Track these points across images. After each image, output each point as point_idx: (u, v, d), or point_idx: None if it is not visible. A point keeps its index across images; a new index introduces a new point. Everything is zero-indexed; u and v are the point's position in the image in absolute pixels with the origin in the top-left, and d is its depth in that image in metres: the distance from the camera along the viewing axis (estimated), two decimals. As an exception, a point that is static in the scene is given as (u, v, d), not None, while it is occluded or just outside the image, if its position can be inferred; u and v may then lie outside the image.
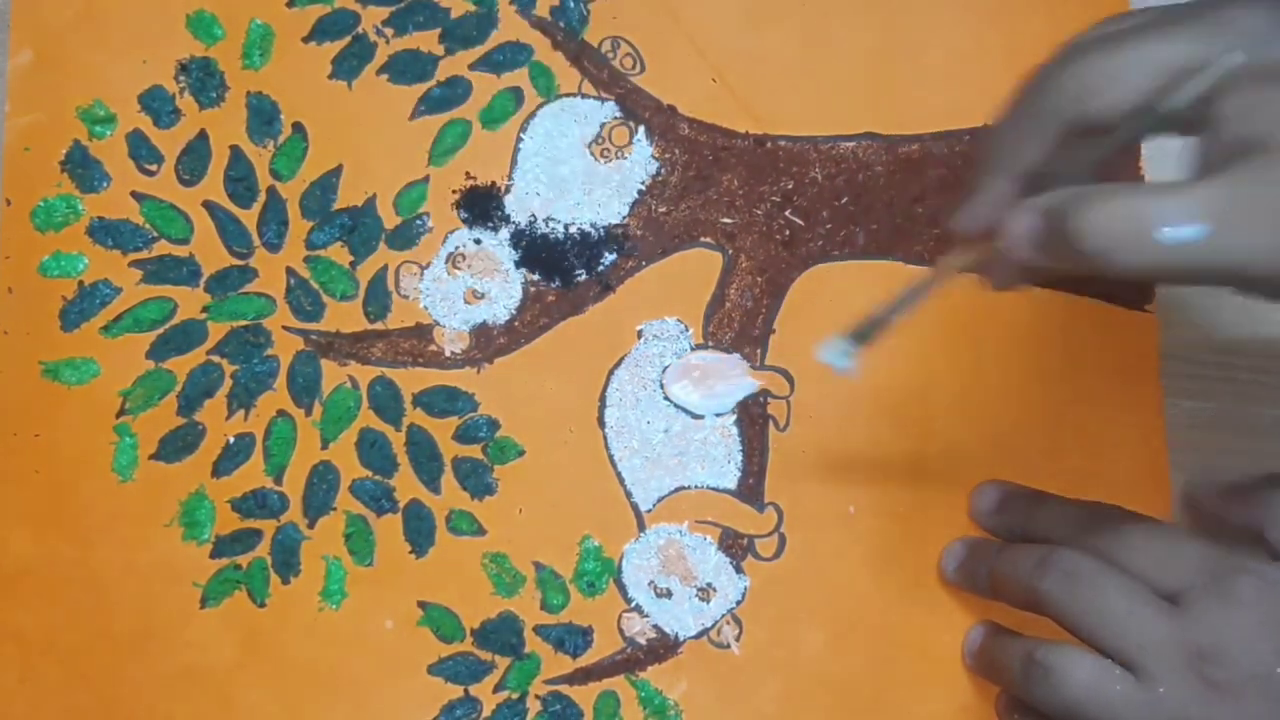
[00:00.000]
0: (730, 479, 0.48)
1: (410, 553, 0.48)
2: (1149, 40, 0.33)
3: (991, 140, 0.37)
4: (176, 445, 0.48)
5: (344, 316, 0.49)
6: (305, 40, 0.50)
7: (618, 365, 0.49)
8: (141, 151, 0.50)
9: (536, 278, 0.49)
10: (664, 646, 0.47)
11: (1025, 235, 0.34)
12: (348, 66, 0.50)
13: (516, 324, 0.49)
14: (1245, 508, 0.42)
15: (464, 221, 0.50)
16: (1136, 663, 0.38)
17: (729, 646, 0.47)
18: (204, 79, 0.50)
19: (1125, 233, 0.31)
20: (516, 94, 0.50)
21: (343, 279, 0.49)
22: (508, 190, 0.50)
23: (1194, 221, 0.31)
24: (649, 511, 0.48)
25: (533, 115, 0.50)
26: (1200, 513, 0.43)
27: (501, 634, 0.47)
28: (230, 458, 0.48)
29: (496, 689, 0.47)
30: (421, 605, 0.47)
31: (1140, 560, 0.40)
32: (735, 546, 0.48)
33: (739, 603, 0.48)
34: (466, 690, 0.47)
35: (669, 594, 0.48)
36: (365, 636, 0.47)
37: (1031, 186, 0.35)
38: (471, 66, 0.50)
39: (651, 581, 0.48)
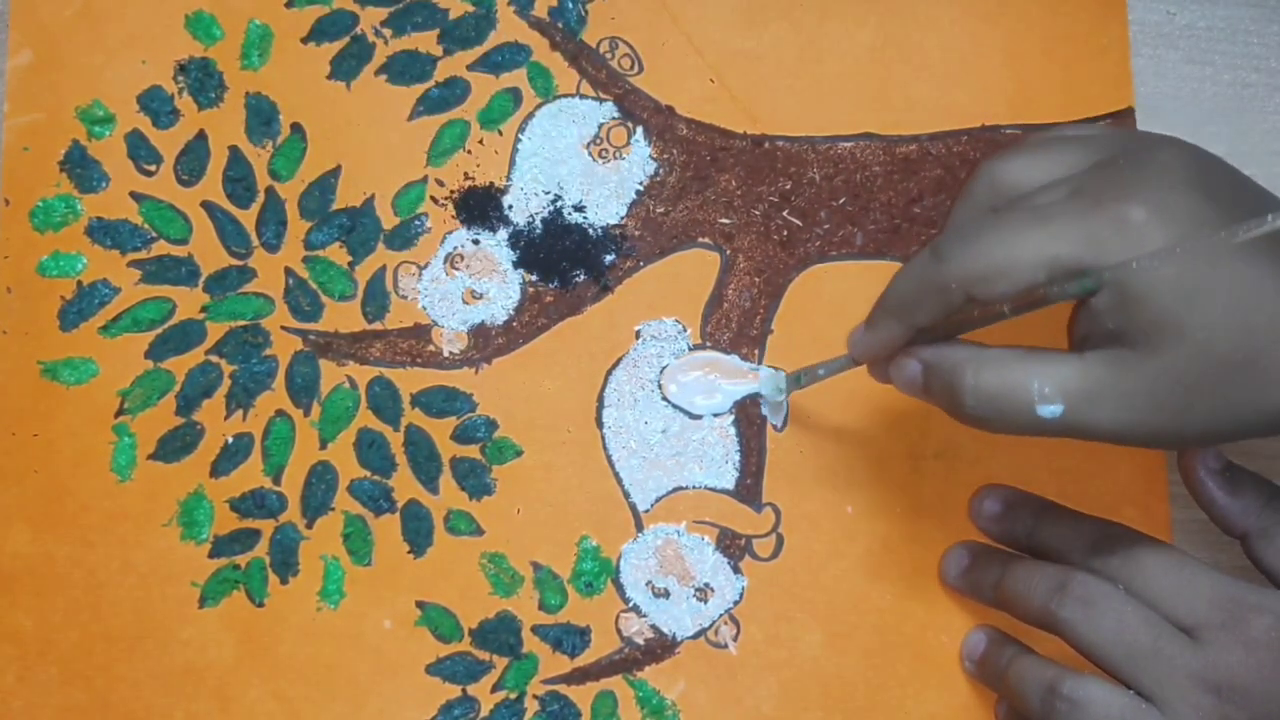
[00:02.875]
0: (728, 479, 0.48)
1: (408, 553, 0.48)
2: (1044, 234, 0.35)
3: (894, 287, 0.39)
4: (175, 445, 0.48)
5: (342, 317, 0.49)
6: (304, 41, 0.50)
7: (616, 365, 0.49)
8: (140, 152, 0.50)
9: (535, 278, 0.49)
10: (662, 646, 0.47)
11: (909, 382, 0.39)
12: (346, 67, 0.50)
13: (515, 324, 0.49)
14: (1238, 504, 0.42)
15: (462, 222, 0.50)
16: (1158, 696, 0.39)
17: (727, 646, 0.47)
18: (203, 79, 0.50)
19: (1001, 407, 0.36)
20: (515, 94, 0.50)
21: (341, 279, 0.49)
22: (506, 191, 0.50)
23: (1057, 401, 0.35)
24: (647, 512, 0.48)
25: (531, 116, 0.50)
26: (1191, 475, 0.43)
27: (499, 634, 0.47)
28: (229, 458, 0.48)
29: (494, 689, 0.47)
30: (420, 605, 0.48)
31: (1154, 589, 0.40)
32: (733, 547, 0.48)
33: (737, 603, 0.48)
34: (464, 690, 0.47)
35: (667, 594, 0.48)
36: (363, 636, 0.47)
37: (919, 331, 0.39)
38: (470, 67, 0.50)
39: (649, 581, 0.48)
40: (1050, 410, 0.36)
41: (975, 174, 0.40)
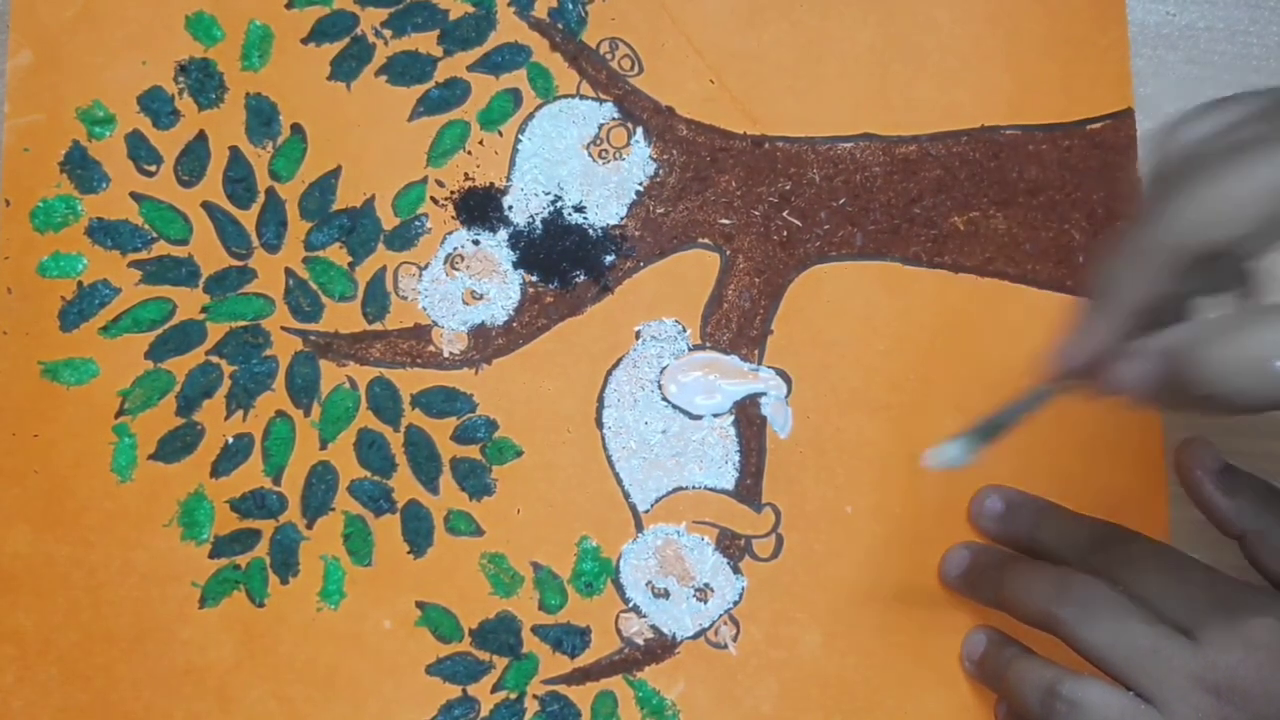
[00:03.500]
0: (728, 479, 0.48)
1: (409, 553, 0.48)
2: (1259, 161, 0.32)
3: (1105, 276, 0.35)
4: (175, 445, 0.48)
5: (343, 317, 0.49)
6: (304, 41, 0.50)
7: (616, 366, 0.49)
8: (141, 152, 0.50)
9: (535, 279, 0.49)
10: (661, 647, 0.47)
11: (1139, 381, 0.34)
12: (346, 68, 0.50)
13: (515, 325, 0.49)
14: (1235, 504, 0.42)
15: (462, 222, 0.50)
16: (1157, 697, 0.39)
17: (726, 647, 0.47)
18: (203, 80, 0.50)
19: (1248, 372, 0.31)
20: (515, 95, 0.50)
21: (341, 280, 0.49)
22: (506, 191, 0.50)
23: None
24: (647, 512, 0.48)
25: (531, 116, 0.50)
26: (1188, 476, 0.43)
27: (499, 634, 0.47)
28: (229, 458, 0.48)
29: (494, 689, 0.47)
30: (420, 605, 0.48)
31: (1153, 590, 0.40)
32: (733, 547, 0.48)
33: (736, 603, 0.48)
34: (464, 690, 0.47)
35: (666, 594, 0.48)
36: (363, 636, 0.47)
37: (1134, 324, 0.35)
38: (470, 68, 0.50)
39: (649, 582, 0.48)
40: None
41: (1153, 145, 0.36)
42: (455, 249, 0.50)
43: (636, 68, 0.51)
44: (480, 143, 0.50)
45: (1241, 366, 0.32)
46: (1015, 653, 0.44)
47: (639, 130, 0.50)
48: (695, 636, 0.47)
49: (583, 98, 0.50)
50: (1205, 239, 0.33)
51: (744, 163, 0.50)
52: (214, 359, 0.49)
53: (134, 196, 0.50)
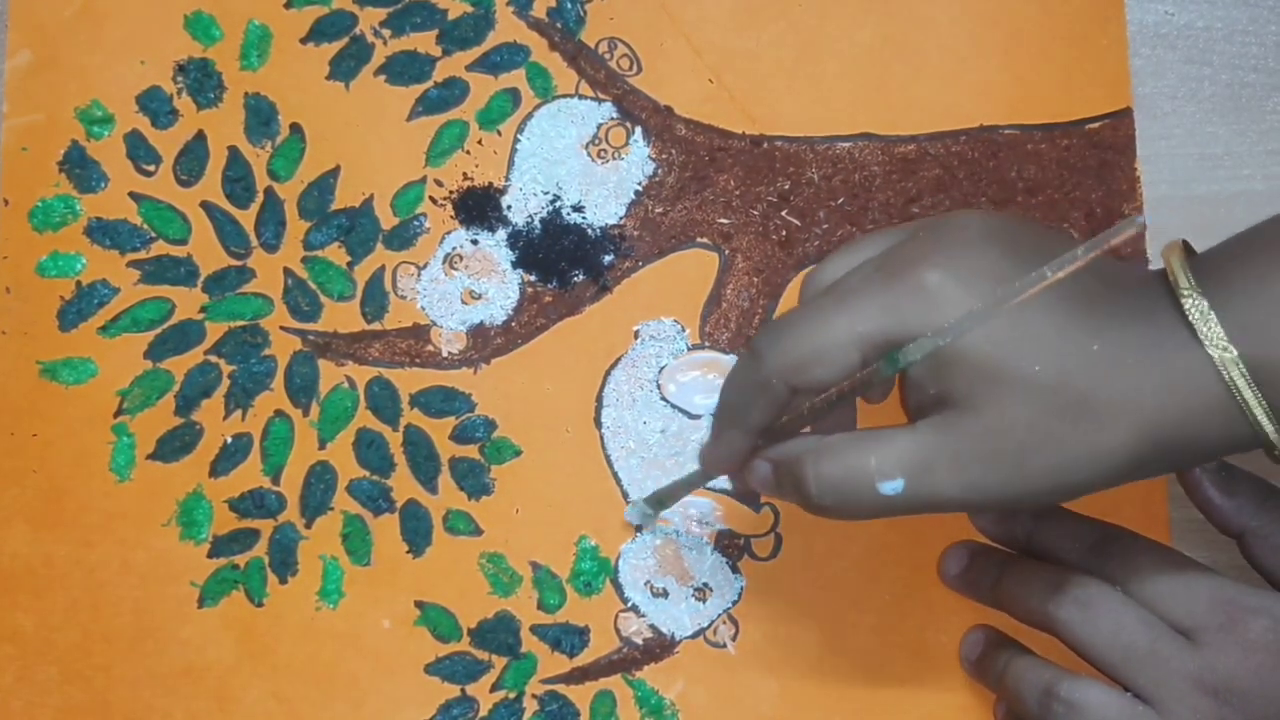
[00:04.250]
0: (725, 479, 0.48)
1: (407, 552, 0.48)
2: (848, 315, 0.35)
3: (723, 396, 0.39)
4: (174, 445, 0.48)
5: (341, 317, 0.49)
6: (303, 41, 0.50)
7: (615, 365, 0.49)
8: (139, 152, 0.50)
9: (534, 278, 0.49)
10: (660, 646, 0.47)
11: (762, 483, 0.39)
12: (345, 67, 0.50)
13: (514, 324, 0.49)
14: (1234, 504, 0.42)
15: (461, 222, 0.50)
16: (1156, 698, 0.39)
17: (725, 646, 0.47)
18: (202, 80, 0.50)
19: (844, 492, 0.36)
20: (514, 95, 0.50)
21: (340, 279, 0.49)
22: (505, 191, 0.50)
23: (896, 474, 0.35)
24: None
25: (530, 116, 0.50)
26: (1186, 475, 0.43)
27: (498, 634, 0.47)
28: (228, 457, 0.48)
29: (493, 688, 0.47)
30: (419, 605, 0.48)
31: (1151, 590, 0.40)
32: (731, 546, 0.48)
33: (735, 602, 0.48)
34: (463, 690, 0.47)
35: (665, 594, 0.48)
36: (362, 636, 0.47)
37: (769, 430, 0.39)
38: (469, 67, 0.50)
39: (648, 581, 0.48)
40: (891, 486, 0.35)
41: (801, 285, 0.41)
42: (454, 249, 0.50)
43: (635, 67, 0.51)
44: (479, 142, 0.50)
45: (839, 489, 0.36)
46: (1014, 653, 0.44)
47: (638, 130, 0.50)
48: (694, 636, 0.47)
49: (581, 97, 0.50)
50: (801, 380, 0.36)
51: (743, 162, 0.50)
52: (213, 359, 0.49)
53: (133, 196, 0.50)
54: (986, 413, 0.34)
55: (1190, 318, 0.35)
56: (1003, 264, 0.35)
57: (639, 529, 0.48)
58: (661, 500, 0.46)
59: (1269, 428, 0.35)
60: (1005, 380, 0.34)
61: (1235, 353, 0.34)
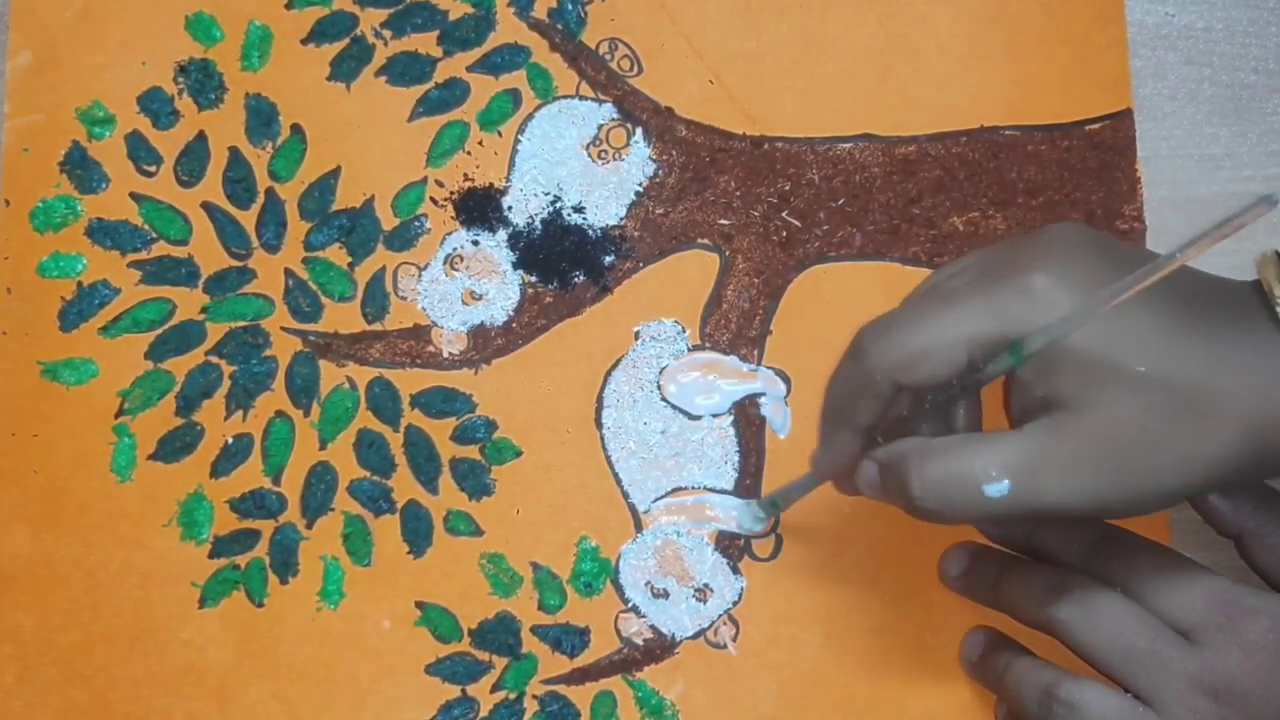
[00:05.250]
0: (727, 479, 0.48)
1: (408, 553, 0.48)
2: (955, 314, 0.36)
3: (829, 396, 0.40)
4: (175, 446, 0.48)
5: (342, 317, 0.49)
6: (304, 42, 0.51)
7: (615, 366, 0.49)
8: (140, 153, 0.50)
9: (534, 279, 0.49)
10: (661, 647, 0.47)
11: (870, 487, 0.39)
12: (346, 68, 0.50)
13: (514, 325, 0.49)
14: (1231, 504, 0.42)
15: (462, 223, 0.50)
16: (1155, 699, 0.39)
17: (726, 647, 0.47)
18: (203, 80, 0.50)
19: (950, 494, 0.36)
20: (514, 96, 0.50)
21: (341, 280, 0.49)
22: (505, 192, 0.50)
23: (1002, 477, 0.35)
24: (646, 512, 0.48)
25: (530, 117, 0.50)
26: None
27: (499, 634, 0.47)
28: (229, 458, 0.48)
29: (494, 689, 0.47)
30: (419, 605, 0.48)
31: (1151, 591, 0.40)
32: (732, 547, 0.48)
33: (736, 603, 0.48)
34: (464, 690, 0.47)
35: (666, 594, 0.48)
36: (363, 636, 0.47)
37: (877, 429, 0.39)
38: (469, 68, 0.50)
39: (648, 582, 0.48)
40: (997, 490, 0.35)
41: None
42: (455, 249, 0.50)
43: (636, 68, 0.51)
44: (480, 143, 0.50)
45: (943, 492, 0.36)
46: (1014, 654, 0.44)
47: (638, 131, 0.50)
48: (694, 636, 0.47)
49: (582, 98, 0.50)
50: (907, 378, 0.36)
51: (743, 163, 0.50)
52: (214, 359, 0.49)
53: (134, 197, 0.50)
54: (1095, 414, 0.35)
55: None
56: (1102, 269, 0.35)
57: (750, 535, 0.48)
58: (775, 503, 0.45)
59: None
60: (1113, 380, 0.35)
61: None
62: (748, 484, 0.48)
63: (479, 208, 0.50)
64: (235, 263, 0.49)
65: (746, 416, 0.49)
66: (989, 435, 0.37)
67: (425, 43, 0.51)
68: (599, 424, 0.49)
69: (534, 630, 0.48)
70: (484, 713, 0.47)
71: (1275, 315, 0.36)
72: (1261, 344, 0.36)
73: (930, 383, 0.36)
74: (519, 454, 0.48)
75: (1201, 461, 0.35)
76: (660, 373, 0.49)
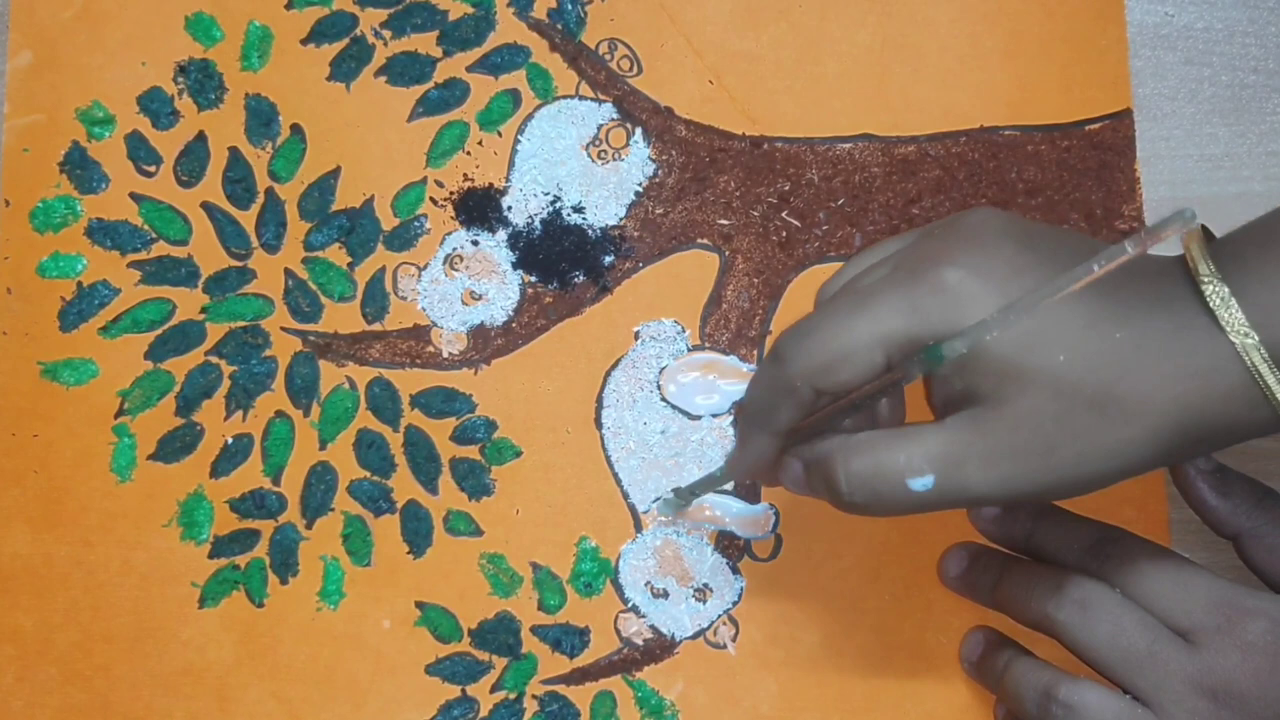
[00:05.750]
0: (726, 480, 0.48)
1: (408, 553, 0.48)
2: (870, 315, 0.36)
3: (748, 400, 0.39)
4: (175, 446, 0.48)
5: (342, 317, 0.49)
6: (304, 42, 0.51)
7: (615, 366, 0.49)
8: (140, 153, 0.50)
9: (534, 279, 0.49)
10: (661, 647, 0.47)
11: (794, 482, 0.39)
12: (346, 68, 0.50)
13: (514, 325, 0.49)
14: (1229, 505, 0.42)
15: (462, 223, 0.50)
16: (1154, 701, 0.39)
17: (725, 647, 0.47)
18: (203, 80, 0.50)
19: (876, 488, 0.36)
20: (514, 96, 0.50)
21: (341, 280, 0.49)
22: (505, 192, 0.50)
23: (927, 470, 0.35)
24: (646, 512, 0.48)
25: (530, 117, 0.50)
26: (1181, 476, 0.43)
27: (499, 634, 0.48)
28: (228, 458, 0.48)
29: (494, 689, 0.47)
30: (419, 605, 0.48)
31: (1150, 592, 0.40)
32: (732, 547, 0.48)
33: (735, 603, 0.48)
34: (464, 690, 0.47)
35: (665, 594, 0.48)
36: (363, 636, 0.47)
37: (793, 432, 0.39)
38: (469, 68, 0.51)
39: (648, 582, 0.48)
40: (922, 483, 0.36)
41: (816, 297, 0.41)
42: (454, 249, 0.50)
43: (635, 68, 0.51)
44: (479, 143, 0.50)
45: (869, 486, 0.36)
46: (1013, 654, 0.44)
47: (638, 131, 0.50)
48: (694, 637, 0.48)
49: (582, 98, 0.50)
50: (826, 383, 0.36)
51: (743, 163, 0.50)
52: (213, 359, 0.49)
53: (133, 197, 0.50)
54: (1015, 407, 0.35)
55: (1211, 304, 0.35)
56: (1020, 259, 0.35)
57: (667, 521, 0.48)
58: (692, 492, 0.46)
59: None
60: (1032, 375, 0.34)
61: (1257, 338, 0.34)
62: (747, 484, 0.48)
63: (479, 208, 0.50)
64: (235, 263, 0.49)
65: (746, 416, 0.49)
66: (911, 429, 0.36)
67: (425, 43, 0.51)
68: (599, 424, 0.49)
69: (534, 630, 0.48)
70: (484, 713, 0.47)
71: (1200, 294, 0.35)
72: (1185, 327, 0.35)
73: (849, 386, 0.36)
74: (519, 454, 0.48)
75: (1125, 449, 0.35)
76: (660, 373, 0.49)
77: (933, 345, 0.35)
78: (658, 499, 0.48)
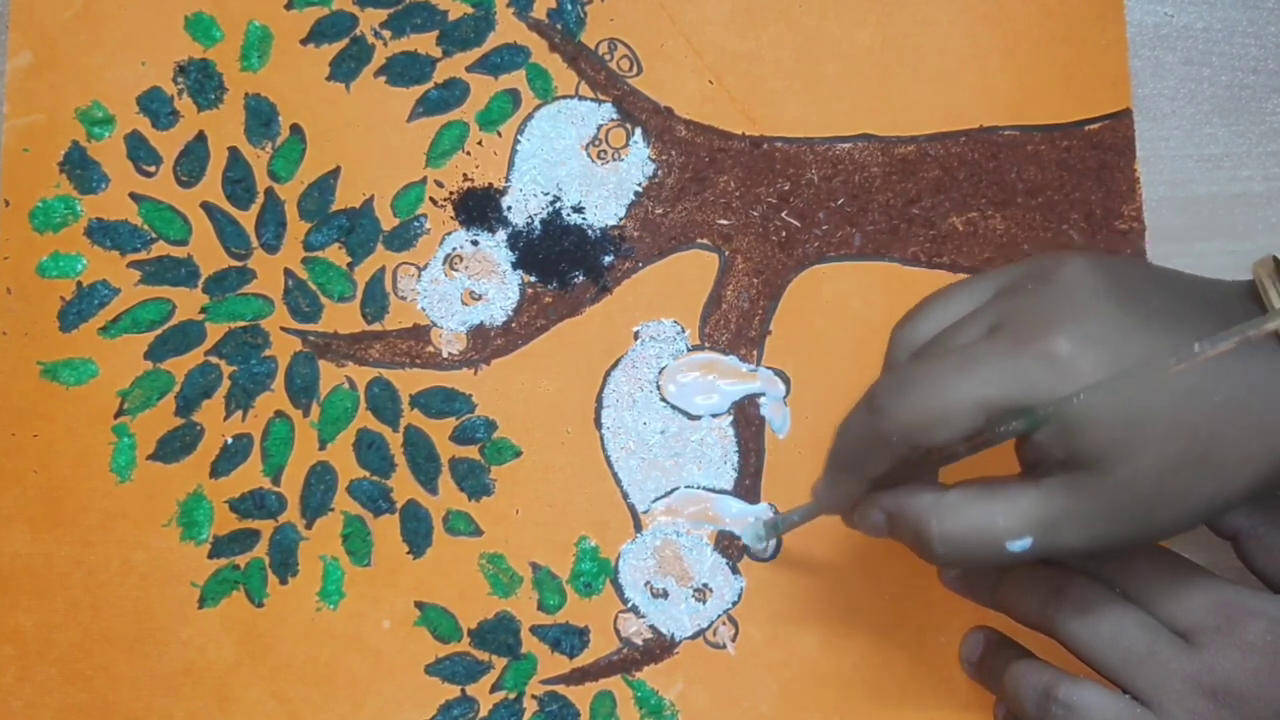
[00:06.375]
0: (726, 479, 0.48)
1: (408, 553, 0.48)
2: (975, 379, 0.36)
3: (840, 442, 0.40)
4: (175, 446, 0.48)
5: (342, 317, 0.49)
6: (303, 42, 0.51)
7: (614, 366, 0.49)
8: (140, 153, 0.50)
9: (533, 279, 0.49)
10: (660, 647, 0.48)
11: (874, 530, 0.40)
12: (346, 68, 0.50)
13: (514, 325, 0.49)
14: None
15: (461, 223, 0.50)
16: (1154, 701, 0.39)
17: (725, 647, 0.48)
18: (202, 80, 0.50)
19: (972, 549, 0.37)
20: (514, 96, 0.50)
21: (340, 280, 0.49)
22: (505, 192, 0.50)
23: (1025, 534, 0.36)
24: (645, 512, 0.48)
25: (530, 117, 0.50)
26: None
27: (498, 634, 0.48)
28: (228, 458, 0.48)
29: (493, 689, 0.47)
30: (419, 605, 0.48)
31: (1150, 593, 0.40)
32: (731, 547, 0.48)
33: (735, 603, 0.48)
34: (463, 690, 0.47)
35: (665, 594, 0.48)
36: (363, 636, 0.47)
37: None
38: (469, 68, 0.51)
39: (648, 582, 0.48)
40: (1020, 545, 0.36)
41: (890, 339, 0.41)
42: (454, 249, 0.50)
43: (635, 68, 0.51)
44: (479, 143, 0.50)
45: (965, 544, 0.37)
46: (1013, 655, 0.44)
47: (638, 131, 0.50)
48: (694, 637, 0.48)
49: (581, 98, 0.50)
50: (923, 440, 0.36)
51: (742, 163, 0.50)
52: (213, 359, 0.49)
53: (133, 197, 0.50)
54: (1116, 475, 0.35)
55: None
56: (1125, 321, 0.36)
57: (748, 551, 0.48)
58: (776, 526, 0.45)
59: None
60: (1136, 444, 0.35)
61: None
62: (747, 484, 0.48)
63: (478, 208, 0.50)
64: (235, 263, 0.49)
65: (746, 417, 0.49)
66: (1005, 489, 0.37)
67: (425, 43, 0.51)
68: (598, 424, 0.49)
69: (533, 630, 0.48)
70: (483, 713, 0.47)
71: (1277, 334, 0.36)
72: (1272, 372, 0.36)
73: (943, 444, 0.37)
74: (518, 454, 0.48)
75: (1221, 500, 0.36)
76: (660, 373, 0.49)
77: (1031, 410, 0.35)
78: (753, 524, 0.46)
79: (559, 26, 0.51)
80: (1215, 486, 0.36)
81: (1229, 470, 0.36)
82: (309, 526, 0.48)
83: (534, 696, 0.47)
